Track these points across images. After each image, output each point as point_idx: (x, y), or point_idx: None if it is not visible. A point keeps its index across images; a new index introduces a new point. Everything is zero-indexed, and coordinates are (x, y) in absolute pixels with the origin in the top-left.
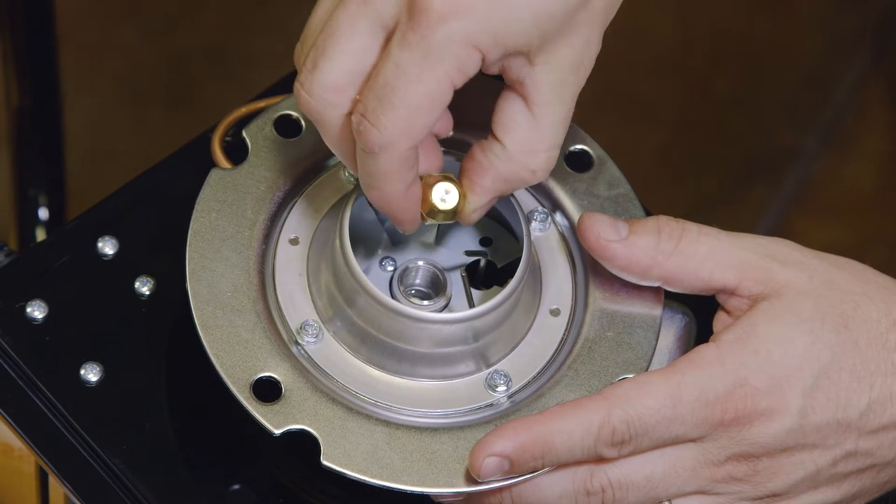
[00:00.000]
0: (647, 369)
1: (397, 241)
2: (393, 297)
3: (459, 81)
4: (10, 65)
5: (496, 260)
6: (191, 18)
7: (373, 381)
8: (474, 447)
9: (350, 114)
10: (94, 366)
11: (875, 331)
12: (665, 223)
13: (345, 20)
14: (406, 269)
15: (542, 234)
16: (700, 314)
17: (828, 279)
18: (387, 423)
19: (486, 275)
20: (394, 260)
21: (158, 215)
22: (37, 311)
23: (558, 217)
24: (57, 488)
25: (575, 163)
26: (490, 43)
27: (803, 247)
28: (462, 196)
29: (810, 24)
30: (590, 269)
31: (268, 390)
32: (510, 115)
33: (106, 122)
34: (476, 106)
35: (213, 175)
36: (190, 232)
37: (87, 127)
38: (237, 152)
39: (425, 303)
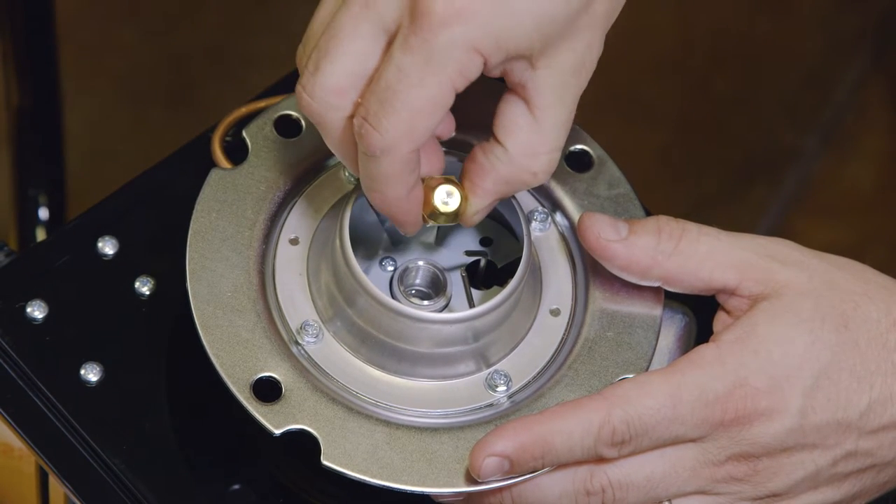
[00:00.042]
0: (647, 369)
1: (397, 241)
2: (393, 297)
3: (461, 85)
4: (10, 65)
5: (496, 260)
6: (191, 18)
7: (373, 381)
8: (474, 447)
9: (352, 116)
10: (94, 366)
11: (875, 331)
12: (665, 223)
13: (347, 23)
14: (406, 269)
15: (543, 234)
16: (700, 314)
17: (828, 279)
18: (387, 423)
19: (486, 275)
20: (394, 260)
21: (158, 215)
22: (37, 311)
23: (558, 217)
24: (57, 488)
25: (575, 163)
26: (492, 47)
27: (803, 247)
28: (464, 198)
29: (810, 24)
30: (590, 269)
31: (268, 390)
32: (512, 118)
33: (106, 122)
34: (478, 106)
35: (213, 175)
36: (190, 232)
37: (87, 127)
38: (237, 152)
39: (425, 303)
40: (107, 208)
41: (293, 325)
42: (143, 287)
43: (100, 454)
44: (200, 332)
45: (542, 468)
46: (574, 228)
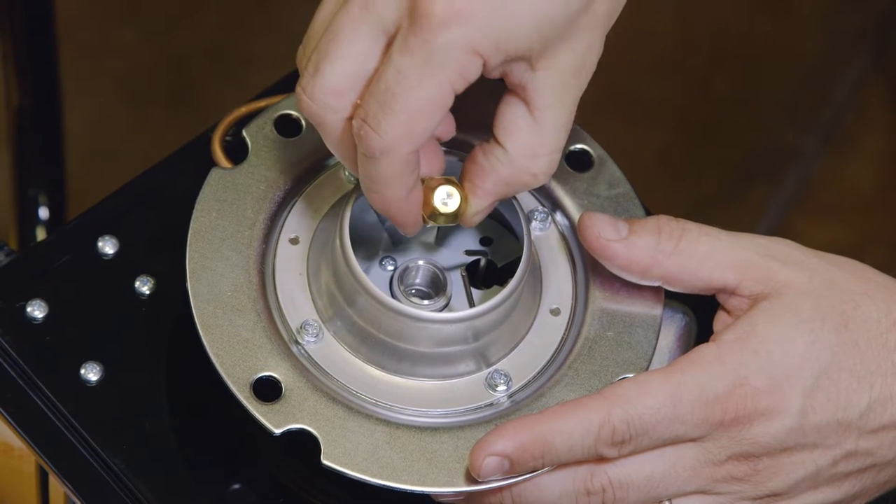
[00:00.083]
0: (647, 369)
1: (397, 240)
2: (393, 296)
3: (460, 87)
4: (10, 65)
5: (496, 259)
6: (191, 18)
7: (373, 380)
8: (474, 447)
9: (351, 118)
10: (94, 365)
11: (875, 330)
12: (665, 223)
13: (346, 24)
14: (406, 269)
15: (543, 234)
16: (700, 314)
17: (828, 279)
18: (387, 422)
19: (486, 274)
20: (394, 259)
21: (158, 215)
22: (37, 310)
23: (558, 217)
24: (57, 488)
25: (575, 162)
26: (491, 49)
27: (803, 246)
28: (464, 199)
29: (810, 24)
30: (590, 268)
31: (268, 390)
32: (512, 120)
33: (106, 122)
34: (478, 107)
35: (214, 175)
36: (190, 231)
37: (87, 127)
38: (237, 152)
39: (425, 302)
40: (107, 208)
41: (293, 325)
42: (143, 287)
43: (100, 454)
44: (200, 331)
45: (543, 468)
46: (574, 228)
